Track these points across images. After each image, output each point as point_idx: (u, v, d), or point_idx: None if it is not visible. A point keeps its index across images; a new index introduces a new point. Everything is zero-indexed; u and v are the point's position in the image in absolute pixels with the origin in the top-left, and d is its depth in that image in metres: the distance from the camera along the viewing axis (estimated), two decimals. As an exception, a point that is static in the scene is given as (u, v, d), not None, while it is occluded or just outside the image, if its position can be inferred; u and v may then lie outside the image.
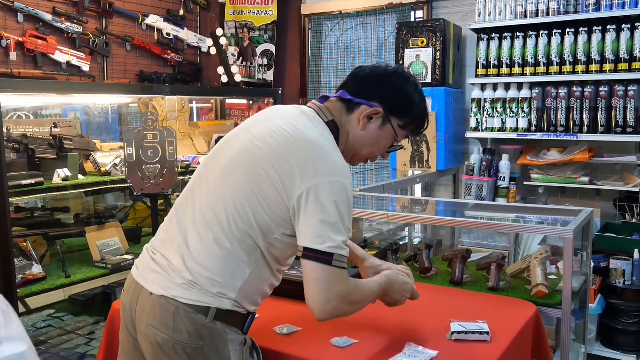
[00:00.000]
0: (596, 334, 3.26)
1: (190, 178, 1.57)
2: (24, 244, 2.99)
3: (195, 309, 1.39)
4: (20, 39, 3.57)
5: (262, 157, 1.41)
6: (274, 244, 1.43)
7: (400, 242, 2.80)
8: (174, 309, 1.39)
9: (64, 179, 3.03)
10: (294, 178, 1.37)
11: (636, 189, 3.25)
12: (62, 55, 3.79)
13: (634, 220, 3.37)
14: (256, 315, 1.56)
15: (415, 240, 3.58)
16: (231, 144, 1.50)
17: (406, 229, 3.64)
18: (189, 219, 1.47)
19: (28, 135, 3.06)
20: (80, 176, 3.17)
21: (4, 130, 2.80)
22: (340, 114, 1.53)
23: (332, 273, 1.35)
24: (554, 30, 3.42)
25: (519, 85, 3.56)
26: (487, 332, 1.63)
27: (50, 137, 3.15)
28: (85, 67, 3.93)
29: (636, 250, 3.13)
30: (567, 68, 3.39)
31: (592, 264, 2.83)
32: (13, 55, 3.53)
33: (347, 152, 1.56)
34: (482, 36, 3.64)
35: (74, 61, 3.86)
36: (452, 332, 1.64)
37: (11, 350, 0.75)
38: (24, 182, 2.85)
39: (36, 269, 2.94)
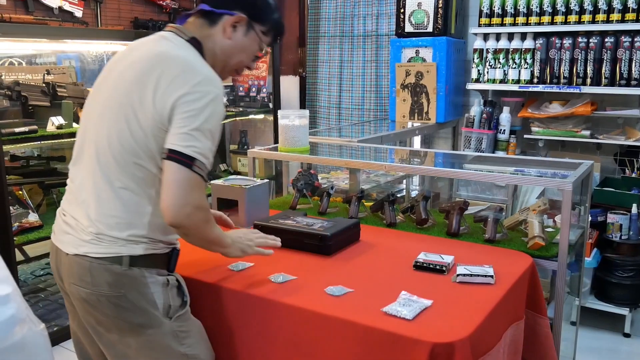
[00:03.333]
0: (591, 287, 3.29)
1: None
2: (20, 192, 2.98)
3: (109, 260, 1.44)
4: (11, -17, 3.47)
5: (131, 86, 1.44)
6: None
7: (398, 194, 2.79)
8: (89, 265, 1.44)
9: (58, 127, 2.99)
10: (166, 94, 1.40)
11: (637, 144, 3.21)
12: (54, 0, 3.68)
13: (633, 175, 3.35)
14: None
15: (413, 193, 3.57)
16: (101, 89, 1.54)
17: (404, 181, 3.63)
18: (83, 174, 1.51)
19: (21, 82, 3.01)
20: (74, 125, 3.12)
21: (-4, 76, 2.75)
22: (202, 29, 1.56)
23: (192, 179, 1.39)
24: (561, -21, 3.31)
25: (523, 36, 3.47)
26: (491, 276, 1.64)
27: (44, 85, 3.09)
28: (78, 13, 3.83)
29: (634, 205, 3.12)
30: (573, 18, 3.30)
31: (590, 218, 2.83)
32: (3, 0, 3.43)
33: (216, 66, 1.57)
34: (487, -16, 3.53)
35: (67, 7, 3.76)
36: (458, 275, 1.66)
37: (-5, 293, 0.74)
38: (17, 129, 2.82)
39: (33, 217, 2.94)
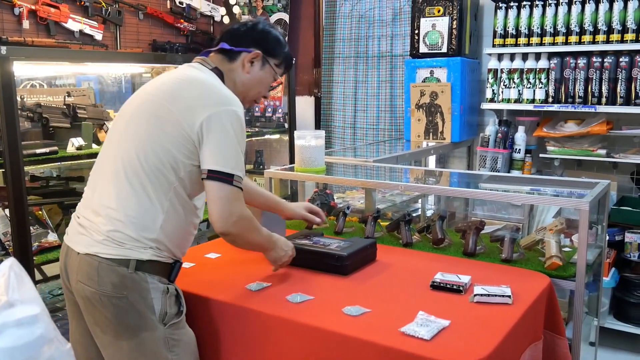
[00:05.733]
0: (609, 308, 3.25)
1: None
2: (40, 212, 3.03)
3: (117, 262, 1.54)
4: (33, 7, 3.55)
5: (159, 102, 1.61)
6: (185, 178, 1.60)
7: (414, 214, 2.79)
8: (97, 264, 1.55)
9: (78, 148, 3.04)
10: (193, 110, 1.57)
11: (654, 162, 3.20)
12: (75, 23, 3.77)
13: (651, 193, 3.33)
14: (184, 264, 1.76)
15: (429, 212, 3.57)
16: (131, 105, 1.70)
17: (420, 200, 3.63)
18: (104, 179, 1.64)
19: (42, 104, 3.07)
20: (94, 145, 3.18)
21: (18, 99, 2.81)
22: (223, 64, 1.76)
23: (233, 192, 1.58)
24: (575, -1, 3.33)
25: (537, 56, 3.48)
26: (509, 296, 1.64)
27: (64, 106, 3.15)
28: (98, 36, 3.91)
29: (652, 224, 3.10)
30: (587, 38, 3.31)
31: (607, 238, 2.81)
32: (26, 24, 3.52)
33: (237, 96, 1.71)
34: (500, 5, 3.56)
35: (87, 30, 3.84)
36: (475, 295, 1.66)
37: (25, 313, 0.76)
38: (38, 151, 2.87)
39: (52, 237, 2.98)
